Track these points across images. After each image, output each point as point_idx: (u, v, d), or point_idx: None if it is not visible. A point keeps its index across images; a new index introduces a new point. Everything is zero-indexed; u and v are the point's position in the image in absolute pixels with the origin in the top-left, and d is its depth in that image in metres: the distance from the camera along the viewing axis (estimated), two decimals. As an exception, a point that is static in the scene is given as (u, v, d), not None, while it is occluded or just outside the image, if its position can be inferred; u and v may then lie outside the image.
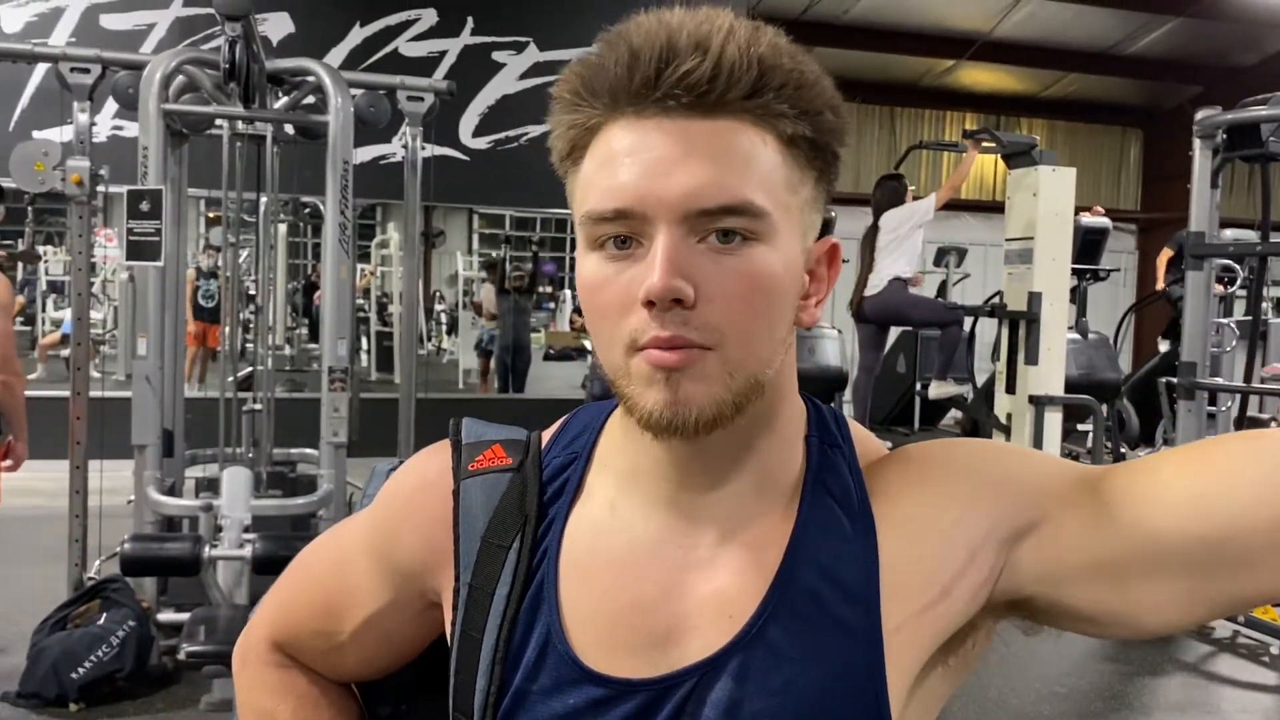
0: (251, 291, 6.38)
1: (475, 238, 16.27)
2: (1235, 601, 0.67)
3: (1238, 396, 5.43)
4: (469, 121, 8.24)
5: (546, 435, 0.81)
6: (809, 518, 0.72)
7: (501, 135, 8.30)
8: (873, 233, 6.94)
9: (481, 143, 8.31)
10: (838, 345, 8.72)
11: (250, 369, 5.20)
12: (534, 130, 8.19)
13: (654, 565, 0.72)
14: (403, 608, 0.82)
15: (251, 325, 6.30)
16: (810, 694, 0.68)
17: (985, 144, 6.52)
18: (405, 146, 4.78)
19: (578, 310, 12.91)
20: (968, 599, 0.71)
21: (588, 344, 12.06)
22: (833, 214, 8.48)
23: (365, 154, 5.56)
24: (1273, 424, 6.49)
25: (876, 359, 7.60)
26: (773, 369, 0.70)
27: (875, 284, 6.85)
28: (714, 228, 0.65)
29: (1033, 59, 13.65)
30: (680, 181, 0.64)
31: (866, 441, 0.78)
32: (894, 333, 7.90)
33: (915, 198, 6.86)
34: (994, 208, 6.11)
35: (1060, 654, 4.54)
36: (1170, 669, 4.48)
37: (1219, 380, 5.25)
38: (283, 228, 10.16)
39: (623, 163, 0.66)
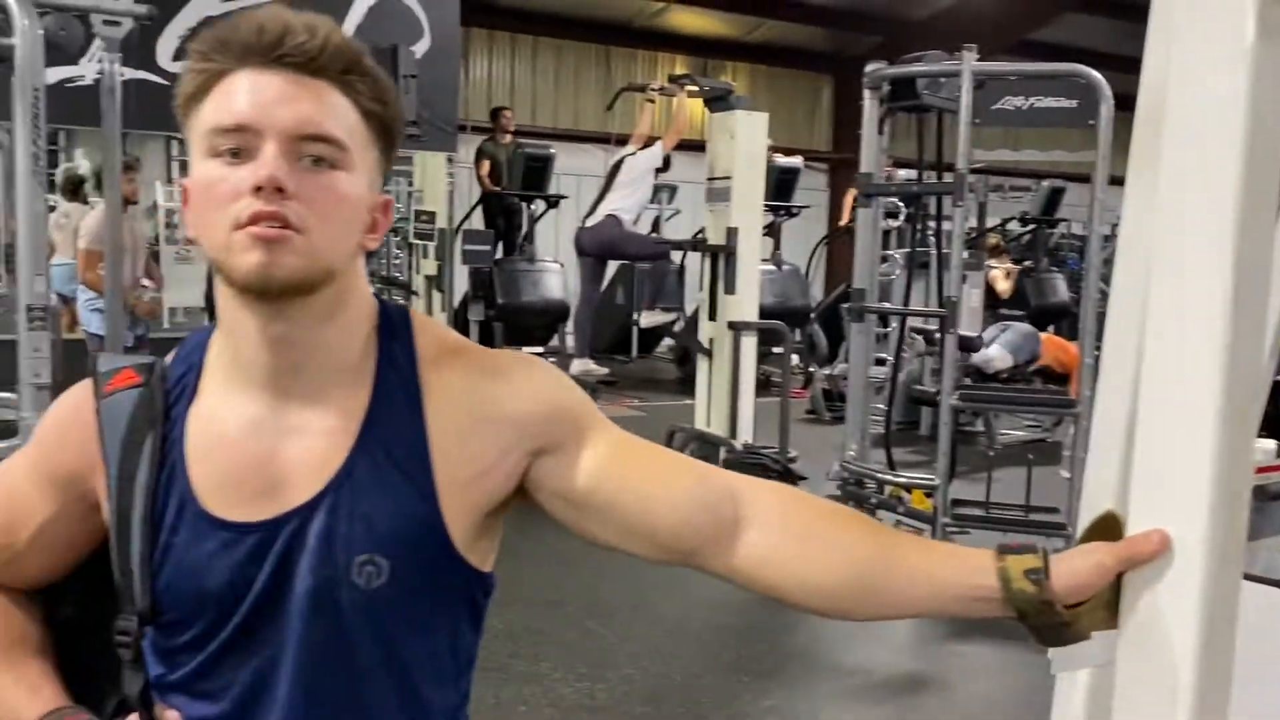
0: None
1: (175, 166, 15.17)
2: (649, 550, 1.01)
3: (900, 318, 6.20)
4: (168, 44, 7.73)
5: (170, 356, 1.03)
6: (378, 392, 0.98)
7: (205, 60, 7.82)
8: (614, 170, 7.31)
9: (181, 67, 7.78)
10: (560, 279, 9.02)
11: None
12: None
13: (258, 435, 0.96)
14: (68, 514, 1.01)
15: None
16: (385, 519, 0.94)
17: (689, 89, 6.96)
18: (101, 73, 4.52)
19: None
20: (502, 482, 0.99)
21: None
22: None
23: (50, 75, 5.15)
24: (919, 339, 7.36)
25: (596, 291, 7.98)
26: (343, 264, 0.94)
27: (595, 217, 7.26)
28: (309, 153, 0.89)
29: (734, 4, 14.22)
30: (290, 110, 0.88)
31: (430, 331, 1.03)
32: (612, 267, 8.28)
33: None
34: (702, 147, 6.54)
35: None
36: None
37: (885, 305, 5.98)
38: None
39: (244, 95, 0.88)
